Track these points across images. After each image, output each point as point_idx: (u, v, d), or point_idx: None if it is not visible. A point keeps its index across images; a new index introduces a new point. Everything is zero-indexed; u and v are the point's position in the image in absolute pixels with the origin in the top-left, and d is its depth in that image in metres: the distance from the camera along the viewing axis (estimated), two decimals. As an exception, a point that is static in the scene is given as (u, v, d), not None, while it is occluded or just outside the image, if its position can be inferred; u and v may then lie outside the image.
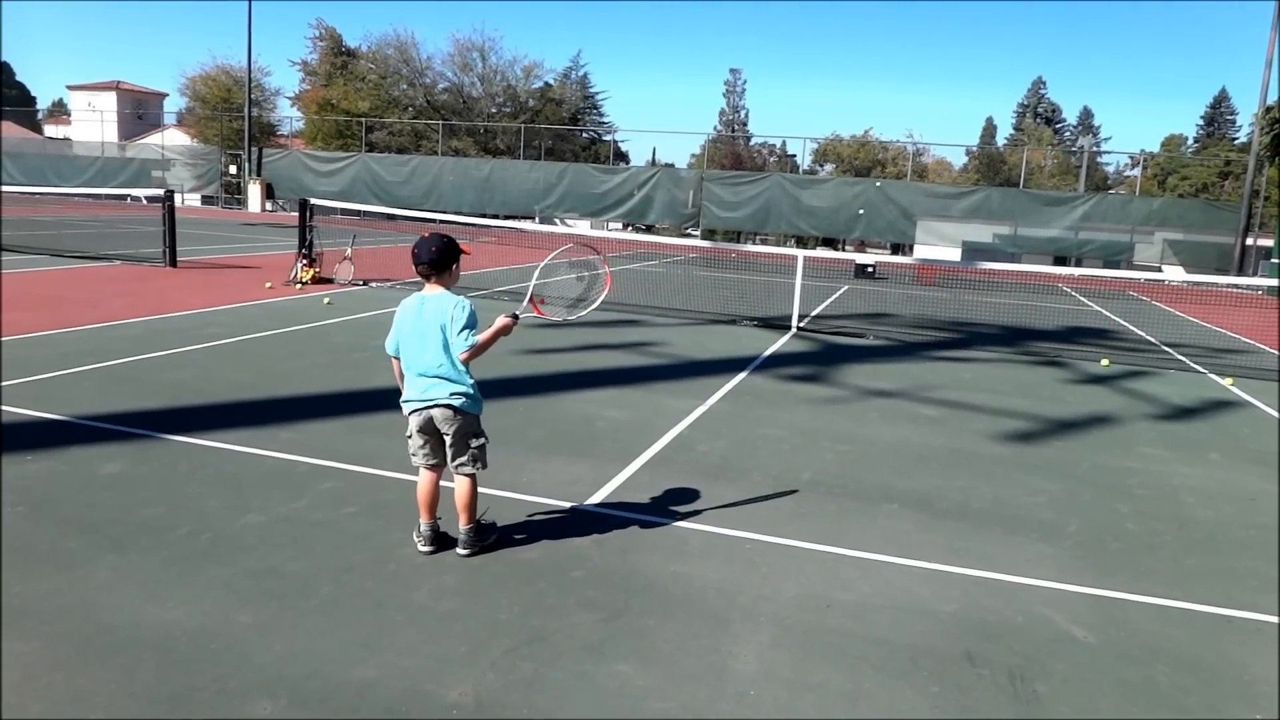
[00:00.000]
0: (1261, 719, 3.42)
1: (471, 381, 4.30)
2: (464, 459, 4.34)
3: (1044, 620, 4.13)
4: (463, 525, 4.42)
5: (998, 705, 3.39)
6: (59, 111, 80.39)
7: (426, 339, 4.20)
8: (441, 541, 4.48)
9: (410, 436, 4.37)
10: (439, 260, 4.24)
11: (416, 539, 4.48)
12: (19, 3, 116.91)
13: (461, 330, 4.17)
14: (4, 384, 7.00)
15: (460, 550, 4.42)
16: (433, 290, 4.29)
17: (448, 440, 4.32)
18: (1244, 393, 10.34)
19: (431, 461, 4.39)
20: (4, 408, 6.38)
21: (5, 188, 28.37)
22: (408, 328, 4.26)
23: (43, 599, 3.71)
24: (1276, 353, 14.18)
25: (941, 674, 3.58)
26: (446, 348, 4.19)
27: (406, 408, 4.32)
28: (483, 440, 4.40)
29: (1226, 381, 10.97)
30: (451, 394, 4.23)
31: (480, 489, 5.28)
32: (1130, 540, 5.28)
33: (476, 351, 4.22)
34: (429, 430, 4.31)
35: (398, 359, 4.35)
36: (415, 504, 4.45)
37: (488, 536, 4.53)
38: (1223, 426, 8.59)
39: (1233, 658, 3.90)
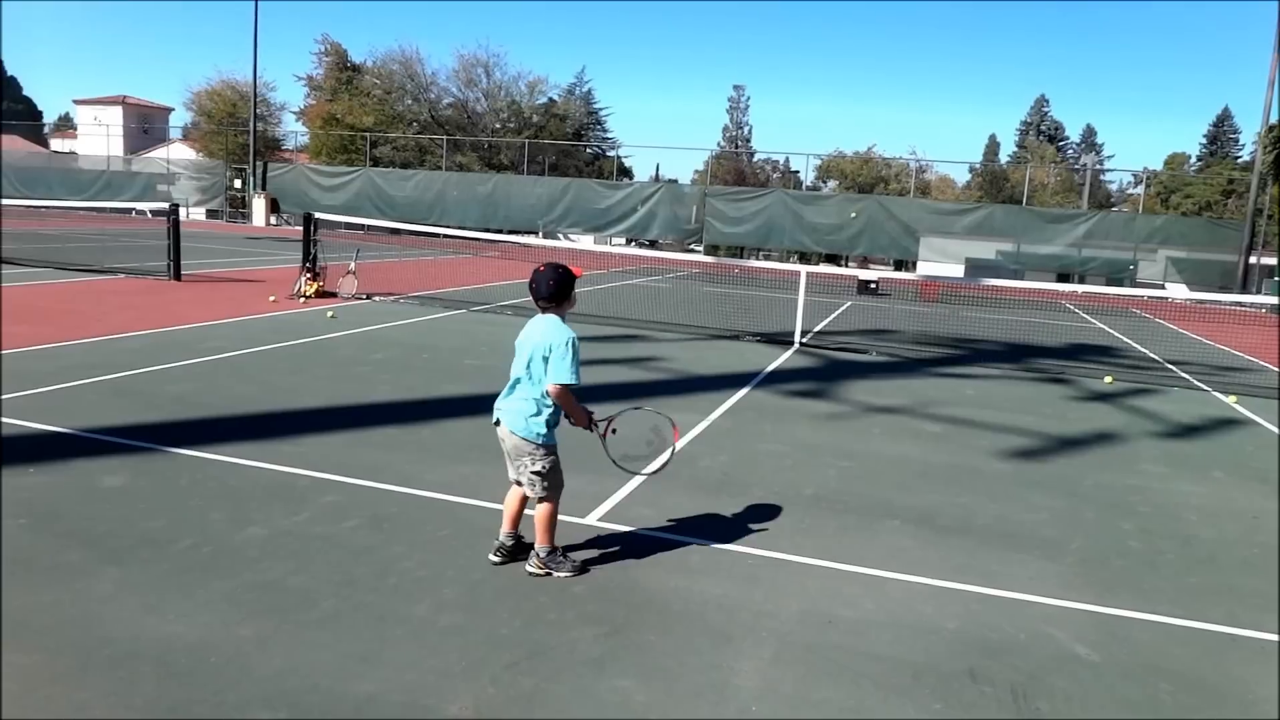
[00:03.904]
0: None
1: (541, 413, 4.26)
2: (525, 483, 4.36)
3: (1046, 638, 4.11)
4: (537, 543, 4.41)
5: (1000, 723, 3.37)
6: (65, 125, 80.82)
7: (521, 357, 4.28)
8: (514, 555, 4.48)
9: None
10: (557, 293, 4.30)
11: (493, 549, 4.51)
12: (26, 16, 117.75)
13: (567, 361, 4.16)
14: (9, 396, 7.02)
15: (527, 565, 4.40)
16: (546, 316, 4.33)
17: (516, 465, 4.36)
18: (1247, 410, 10.33)
19: (513, 476, 4.44)
20: (8, 420, 6.39)
21: (10, 201, 28.45)
22: (519, 343, 4.34)
23: (44, 611, 3.71)
24: (1279, 370, 14.17)
25: (944, 691, 3.57)
26: (530, 373, 4.24)
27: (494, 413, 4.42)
28: (540, 468, 4.29)
29: (1230, 399, 10.95)
30: (514, 416, 4.26)
31: (479, 502, 5.31)
32: (1133, 558, 5.26)
33: (566, 400, 4.24)
34: (504, 442, 4.37)
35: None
36: (417, 519, 4.47)
37: (558, 566, 4.39)
38: (1226, 444, 8.57)
39: (1236, 677, 3.88)
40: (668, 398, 8.80)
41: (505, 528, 4.52)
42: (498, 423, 4.36)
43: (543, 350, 4.20)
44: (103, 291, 14.14)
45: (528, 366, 4.24)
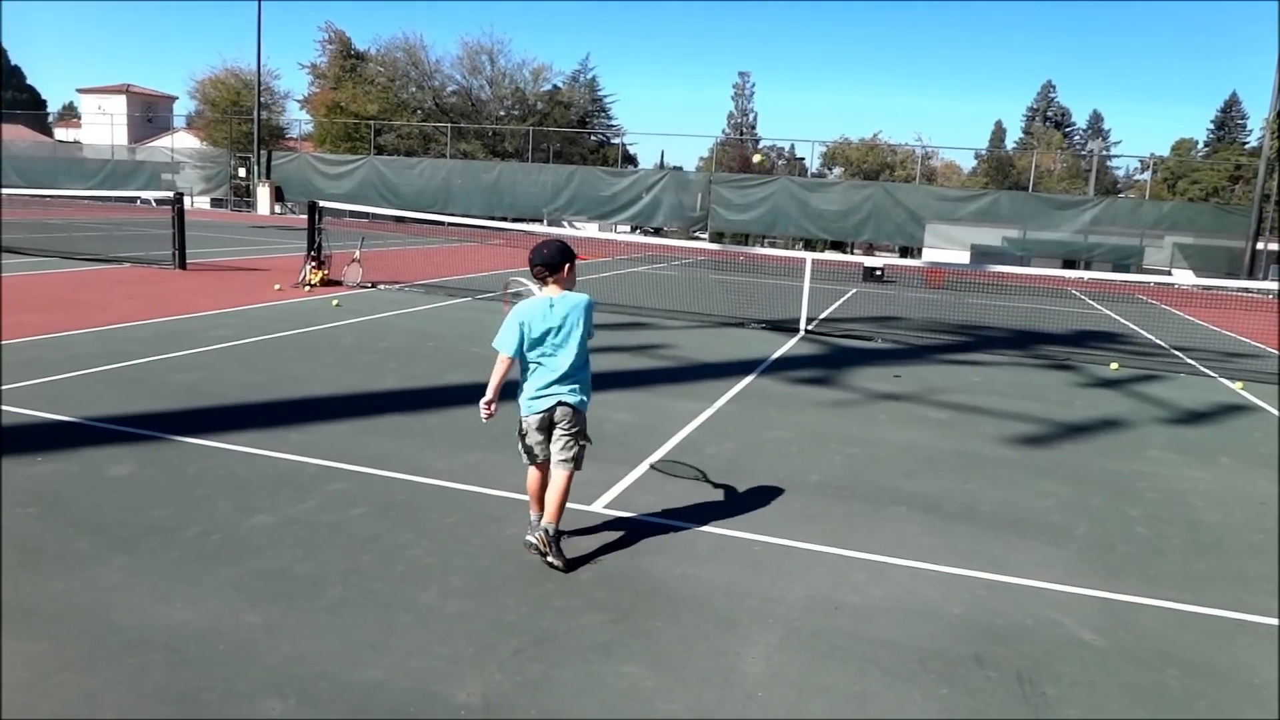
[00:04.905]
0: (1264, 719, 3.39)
1: (589, 383, 4.45)
2: (567, 456, 4.36)
3: (1053, 623, 4.11)
4: (548, 520, 4.33)
5: (1006, 708, 3.38)
6: (69, 114, 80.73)
7: (565, 339, 4.30)
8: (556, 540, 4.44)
9: (526, 434, 4.41)
10: (554, 261, 4.31)
11: (528, 533, 4.44)
12: (29, 5, 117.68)
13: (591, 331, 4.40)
14: (15, 386, 7.04)
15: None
16: (556, 292, 4.34)
17: (559, 433, 4.36)
18: (1254, 396, 10.30)
19: (544, 457, 4.44)
20: (15, 409, 6.41)
21: (15, 191, 28.45)
22: (539, 329, 4.29)
23: (53, 599, 3.73)
24: (1287, 356, 14.11)
25: (950, 676, 3.58)
26: (581, 347, 4.32)
27: (534, 405, 4.34)
28: (587, 442, 4.46)
29: (1236, 385, 10.92)
30: (571, 391, 4.32)
31: (486, 490, 5.33)
32: (1139, 544, 5.26)
33: None
34: (545, 427, 4.36)
35: (511, 359, 4.34)
36: (424, 507, 4.48)
37: (558, 554, 4.31)
38: (1233, 430, 8.56)
39: (1243, 661, 3.88)
40: (674, 385, 8.81)
41: (539, 509, 4.44)
42: (551, 408, 4.30)
43: (582, 323, 4.32)
44: (108, 281, 14.17)
45: (580, 344, 4.32)
